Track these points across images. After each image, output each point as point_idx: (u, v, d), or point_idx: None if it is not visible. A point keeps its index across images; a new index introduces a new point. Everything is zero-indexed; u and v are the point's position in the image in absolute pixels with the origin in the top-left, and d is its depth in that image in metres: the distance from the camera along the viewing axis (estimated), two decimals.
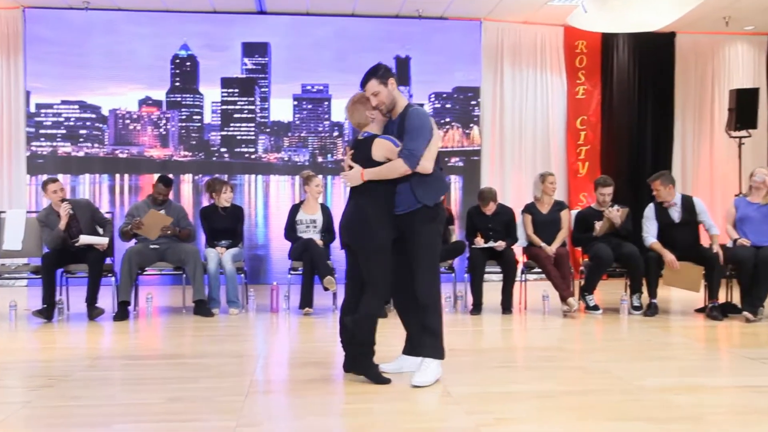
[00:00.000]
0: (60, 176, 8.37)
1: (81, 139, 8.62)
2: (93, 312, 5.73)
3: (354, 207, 3.66)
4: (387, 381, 3.59)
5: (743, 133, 8.42)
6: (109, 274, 6.02)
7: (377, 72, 3.67)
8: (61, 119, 8.55)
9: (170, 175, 6.52)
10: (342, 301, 3.84)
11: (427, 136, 3.60)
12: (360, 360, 3.65)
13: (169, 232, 5.98)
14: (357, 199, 3.66)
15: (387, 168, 3.58)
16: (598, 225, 6.10)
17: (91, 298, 5.77)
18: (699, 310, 6.01)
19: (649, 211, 6.06)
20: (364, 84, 3.70)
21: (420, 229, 3.60)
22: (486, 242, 6.12)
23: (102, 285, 6.05)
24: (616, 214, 6.01)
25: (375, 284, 3.59)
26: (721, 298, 5.90)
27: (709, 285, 5.79)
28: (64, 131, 8.56)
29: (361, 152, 3.64)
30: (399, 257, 3.63)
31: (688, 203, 6.00)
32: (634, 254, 5.95)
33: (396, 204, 3.61)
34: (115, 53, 8.49)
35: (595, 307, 6.04)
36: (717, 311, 5.70)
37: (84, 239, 5.73)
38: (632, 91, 9.28)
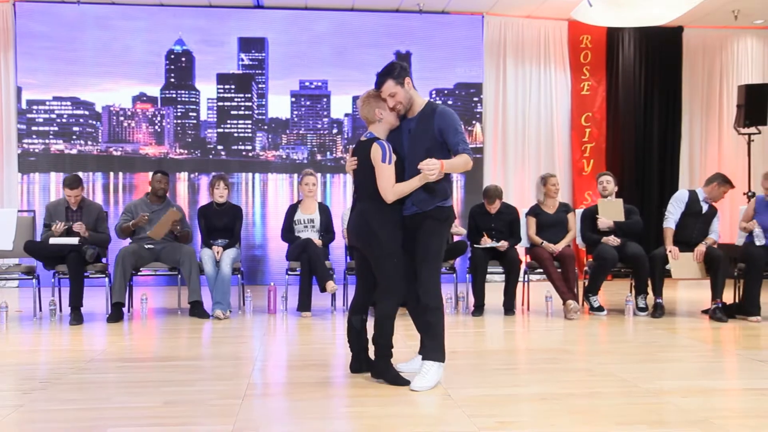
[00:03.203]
0: (53, 174, 8.29)
1: (74, 137, 8.53)
2: (73, 317, 5.54)
3: (361, 215, 3.59)
4: (406, 382, 3.53)
5: (752, 129, 8.35)
6: (103, 275, 5.92)
7: (393, 72, 3.54)
8: (54, 116, 8.46)
9: None
10: (351, 301, 3.81)
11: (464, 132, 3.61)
12: (377, 364, 3.60)
13: (178, 227, 5.89)
14: (362, 206, 3.60)
15: (462, 162, 3.50)
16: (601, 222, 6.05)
17: (74, 301, 5.60)
18: (706, 311, 5.92)
19: (683, 194, 6.04)
20: (379, 85, 3.56)
21: (426, 229, 3.55)
22: (490, 238, 6.04)
23: (96, 286, 5.96)
24: (614, 242, 5.97)
25: (388, 286, 3.55)
26: (729, 299, 5.82)
27: (714, 286, 5.71)
28: (56, 128, 8.47)
29: (362, 155, 3.58)
30: (408, 258, 3.58)
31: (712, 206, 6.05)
32: (639, 254, 5.88)
33: (404, 206, 3.58)
34: (108, 48, 8.41)
35: (600, 308, 5.97)
36: (720, 312, 5.62)
37: (54, 241, 5.65)
38: (638, 88, 9.21)
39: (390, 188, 3.48)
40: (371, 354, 3.74)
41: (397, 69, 3.56)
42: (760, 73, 9.37)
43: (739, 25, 9.04)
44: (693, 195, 6.01)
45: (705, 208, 5.96)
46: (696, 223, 5.91)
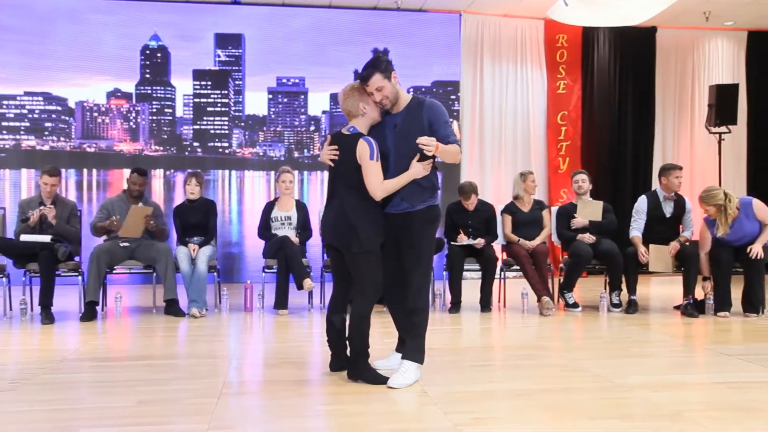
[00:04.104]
0: (24, 171, 8.15)
1: (46, 133, 8.39)
2: (44, 317, 5.47)
3: (339, 210, 3.52)
4: (385, 380, 3.52)
5: (723, 129, 8.48)
6: (76, 273, 5.84)
7: (380, 65, 3.47)
8: (25, 111, 8.31)
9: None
10: (329, 300, 3.78)
11: None
12: (354, 366, 3.58)
13: (152, 221, 5.81)
14: (342, 201, 3.52)
15: (454, 150, 3.52)
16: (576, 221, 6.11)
17: (44, 300, 5.52)
18: (678, 307, 6.00)
19: (642, 203, 6.08)
20: (366, 78, 3.47)
21: (417, 230, 3.53)
22: (467, 237, 6.06)
23: (69, 284, 5.88)
24: (588, 239, 6.02)
25: (363, 286, 3.52)
26: (700, 295, 5.91)
27: (686, 282, 5.80)
28: (27, 124, 8.32)
29: (347, 148, 3.52)
30: (393, 257, 3.56)
31: (680, 200, 6.06)
32: (614, 251, 5.95)
33: (392, 203, 3.54)
34: (81, 43, 8.27)
35: (575, 305, 6.04)
36: (692, 308, 5.71)
37: (25, 238, 5.58)
38: (613, 86, 9.31)
39: (379, 185, 3.44)
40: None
41: (384, 63, 3.49)
42: (730, 73, 9.52)
43: (710, 26, 9.18)
44: (653, 199, 6.05)
45: (669, 210, 6.00)
46: (665, 227, 5.95)
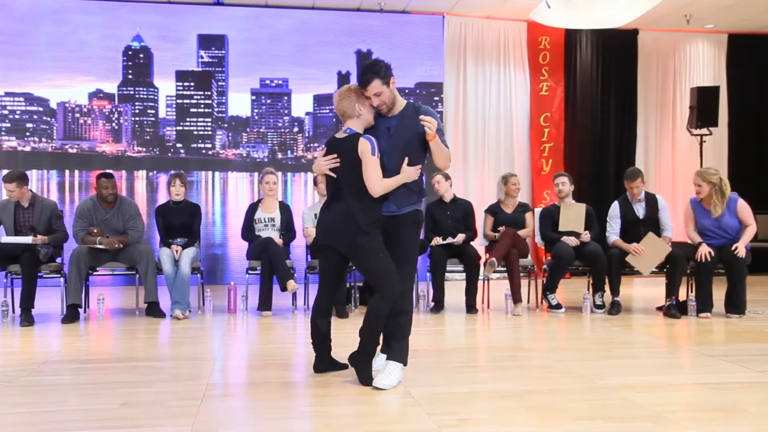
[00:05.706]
0: (4, 172, 8.08)
1: (27, 133, 8.31)
2: (23, 318, 5.42)
3: (344, 213, 3.51)
4: (372, 381, 3.53)
5: (704, 131, 8.56)
6: (58, 275, 5.78)
7: (380, 71, 3.49)
8: (6, 112, 8.23)
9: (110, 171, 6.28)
10: (314, 302, 3.76)
11: None
12: (359, 355, 3.57)
13: (116, 244, 5.74)
14: (347, 203, 3.51)
15: (447, 152, 3.60)
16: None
17: (25, 302, 5.47)
18: (660, 308, 6.05)
19: (614, 209, 6.13)
20: (365, 83, 3.49)
21: (403, 233, 3.58)
22: (444, 239, 6.07)
23: (51, 286, 5.82)
24: (573, 242, 6.04)
25: (382, 283, 3.48)
26: (682, 295, 5.96)
27: (669, 283, 5.84)
28: (8, 125, 8.25)
29: (348, 150, 3.52)
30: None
31: (651, 200, 6.11)
32: (597, 252, 5.98)
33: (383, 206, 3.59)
34: (63, 43, 8.21)
35: (558, 306, 6.06)
36: (675, 309, 5.76)
37: (6, 240, 5.53)
38: (595, 88, 9.38)
39: (379, 181, 3.46)
40: (334, 355, 3.77)
41: (383, 68, 3.51)
42: (711, 75, 9.63)
43: (691, 29, 9.29)
44: (624, 204, 6.11)
45: (642, 211, 6.05)
46: (642, 228, 5.99)
